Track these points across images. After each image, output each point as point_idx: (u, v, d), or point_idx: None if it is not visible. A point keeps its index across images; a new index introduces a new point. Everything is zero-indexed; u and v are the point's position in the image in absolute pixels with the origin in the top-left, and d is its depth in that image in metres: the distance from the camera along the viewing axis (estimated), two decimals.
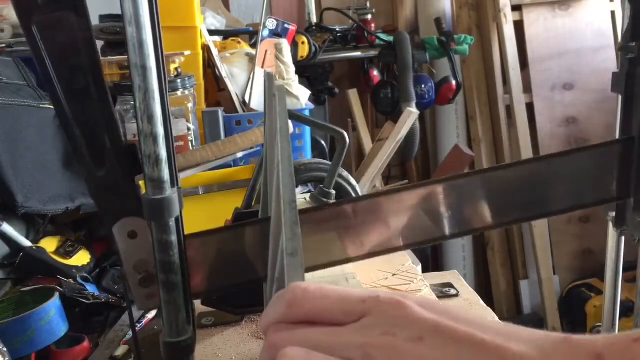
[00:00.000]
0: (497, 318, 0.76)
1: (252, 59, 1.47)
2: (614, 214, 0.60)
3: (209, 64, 1.44)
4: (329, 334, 0.28)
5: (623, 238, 0.77)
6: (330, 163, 0.72)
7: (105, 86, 0.42)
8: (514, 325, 0.27)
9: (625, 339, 0.24)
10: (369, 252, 0.53)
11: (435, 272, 0.89)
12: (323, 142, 1.55)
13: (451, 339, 0.26)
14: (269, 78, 0.51)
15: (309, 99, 1.47)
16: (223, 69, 1.40)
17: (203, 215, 0.97)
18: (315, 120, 0.76)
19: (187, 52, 1.27)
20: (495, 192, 0.53)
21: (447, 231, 0.53)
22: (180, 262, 0.46)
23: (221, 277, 0.51)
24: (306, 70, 2.07)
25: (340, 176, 0.74)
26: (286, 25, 1.77)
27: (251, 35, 1.80)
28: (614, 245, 0.76)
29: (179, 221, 0.46)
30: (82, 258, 0.97)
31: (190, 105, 1.21)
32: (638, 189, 0.54)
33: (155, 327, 0.83)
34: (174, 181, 0.45)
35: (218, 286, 0.52)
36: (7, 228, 0.92)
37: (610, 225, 0.62)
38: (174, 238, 0.45)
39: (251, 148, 1.10)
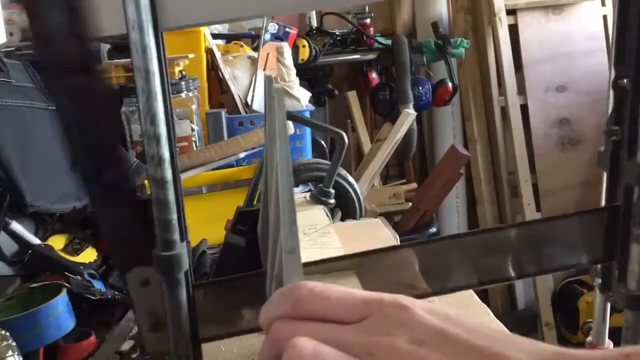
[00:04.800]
0: (491, 314, 0.78)
1: (254, 61, 1.49)
2: (600, 280, 0.62)
3: (212, 67, 1.46)
4: (334, 330, 0.28)
5: None
6: (329, 163, 0.74)
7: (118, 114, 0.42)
8: (515, 335, 0.28)
9: (618, 354, 0.26)
10: None
11: None
12: (323, 143, 1.57)
13: (453, 345, 0.27)
14: (268, 81, 0.52)
15: (309, 101, 1.50)
16: (226, 72, 1.42)
17: (206, 214, 1.00)
18: (315, 121, 0.78)
19: (191, 55, 1.29)
20: (489, 252, 0.55)
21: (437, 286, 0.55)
22: (188, 312, 0.48)
23: (229, 324, 0.53)
24: (306, 73, 2.09)
25: (340, 175, 0.76)
26: (287, 29, 1.79)
27: (253, 38, 1.81)
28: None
29: (187, 274, 0.48)
30: (89, 255, 0.98)
31: (194, 106, 1.22)
32: (622, 258, 0.56)
33: None
34: (183, 236, 0.47)
35: (226, 332, 0.54)
36: (17, 226, 0.94)
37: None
38: (183, 290, 0.47)
39: (253, 148, 1.11)
